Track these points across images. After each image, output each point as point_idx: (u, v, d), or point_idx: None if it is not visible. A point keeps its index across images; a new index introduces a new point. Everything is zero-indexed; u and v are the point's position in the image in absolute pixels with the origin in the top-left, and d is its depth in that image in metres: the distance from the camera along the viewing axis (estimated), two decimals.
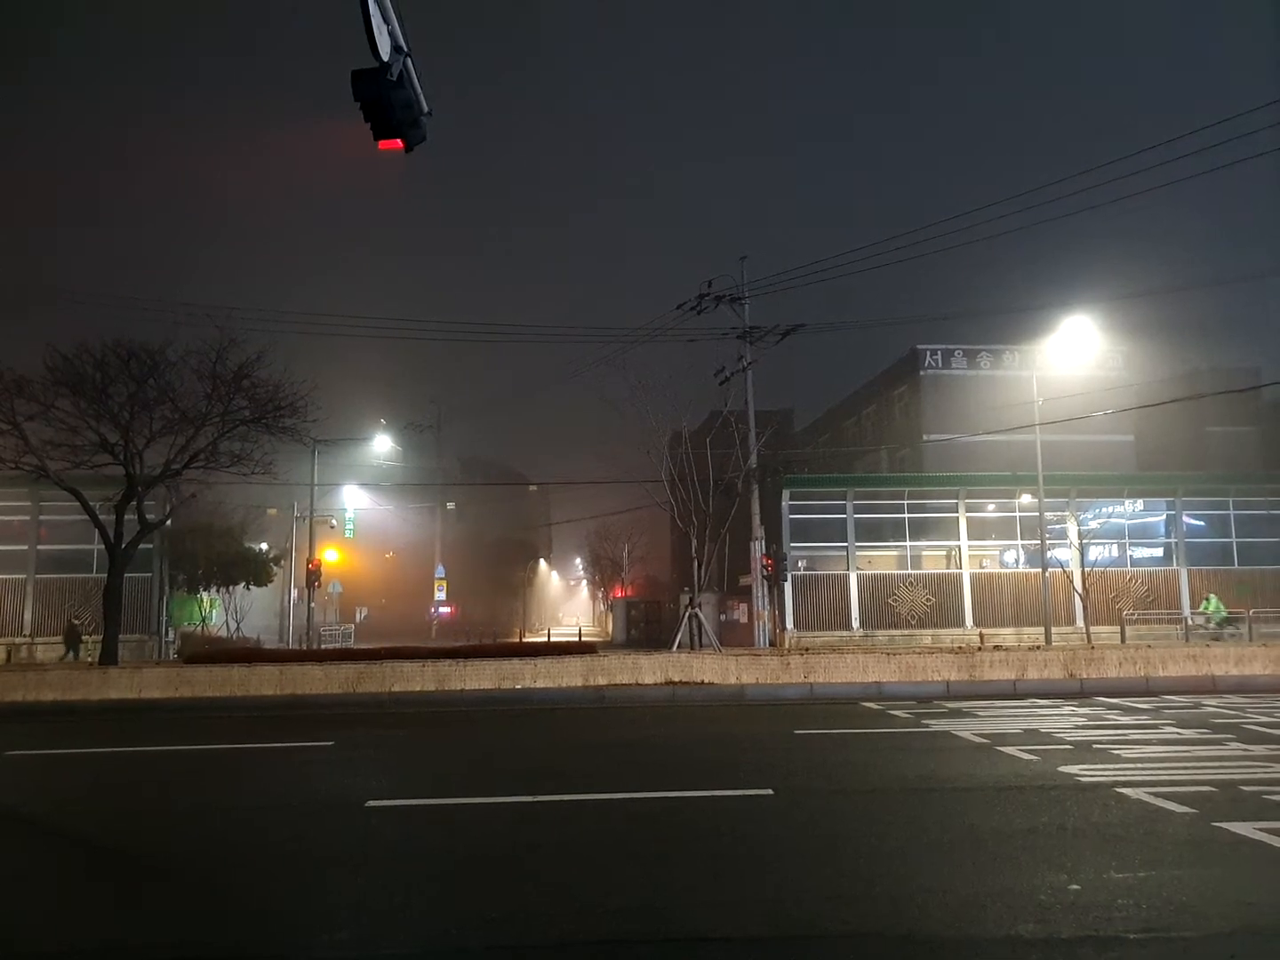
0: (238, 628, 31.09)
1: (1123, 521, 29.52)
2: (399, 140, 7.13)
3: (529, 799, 7.17)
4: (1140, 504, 29.97)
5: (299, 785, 8.31)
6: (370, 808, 6.97)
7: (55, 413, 18.84)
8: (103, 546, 20.29)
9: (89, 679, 15.17)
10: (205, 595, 30.74)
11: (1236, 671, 15.71)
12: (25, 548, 27.20)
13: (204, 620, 30.50)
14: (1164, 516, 29.70)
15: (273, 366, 19.67)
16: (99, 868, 5.67)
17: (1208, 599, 23.66)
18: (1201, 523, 29.55)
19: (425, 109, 7.27)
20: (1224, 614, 22.98)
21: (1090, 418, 26.88)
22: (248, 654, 18.27)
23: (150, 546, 24.82)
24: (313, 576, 32.06)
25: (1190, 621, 27.12)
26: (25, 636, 26.47)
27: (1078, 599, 26.69)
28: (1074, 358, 28.49)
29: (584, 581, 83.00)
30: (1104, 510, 29.64)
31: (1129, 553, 29.31)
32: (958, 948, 3.98)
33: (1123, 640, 24.63)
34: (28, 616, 26.76)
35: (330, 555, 39.05)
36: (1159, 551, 29.62)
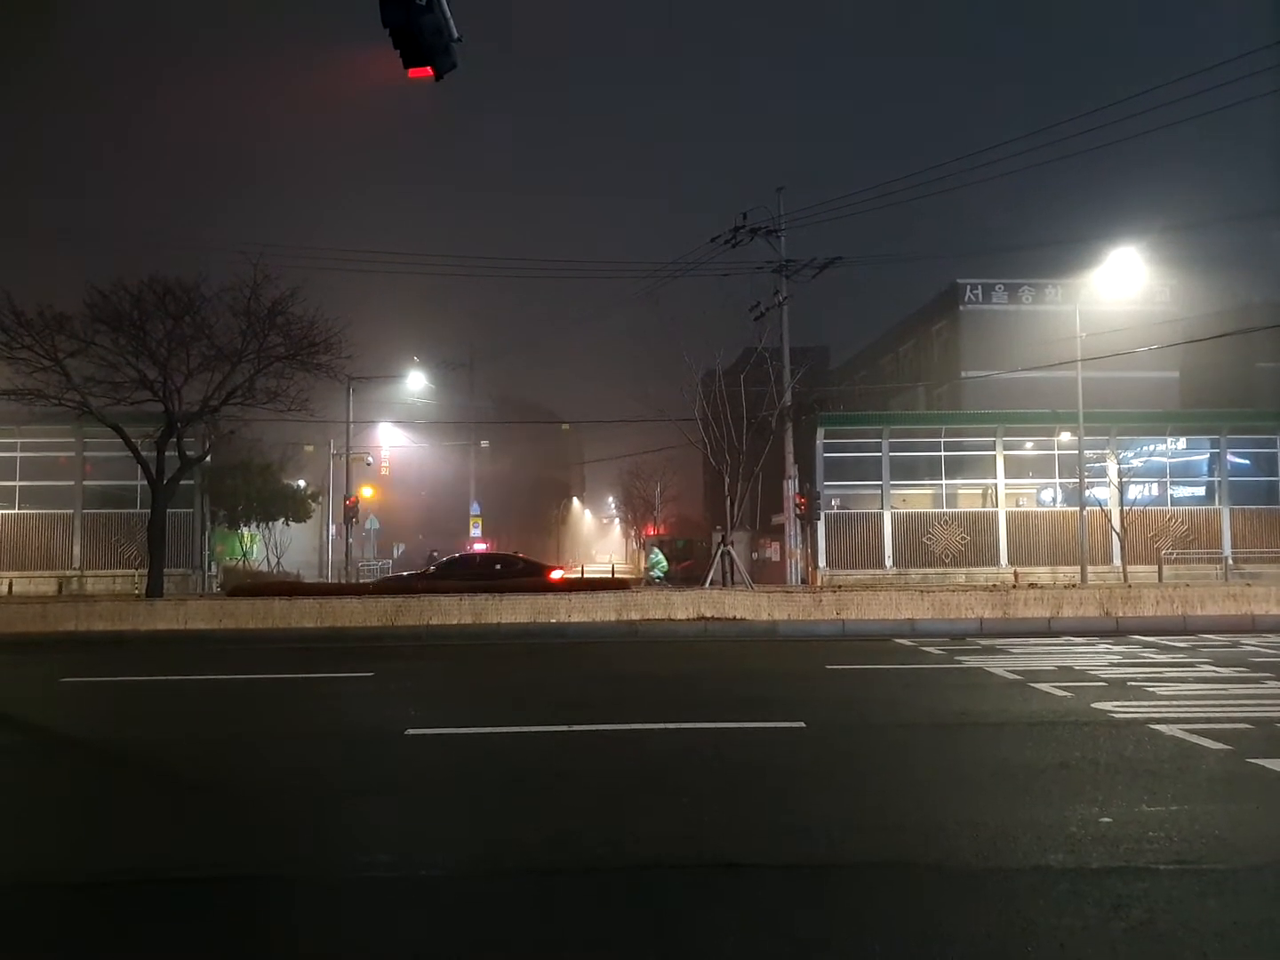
0: (278, 563, 31.76)
1: (1164, 460, 28.98)
2: (429, 68, 6.98)
3: (564, 729, 7.30)
4: (1183, 442, 29.37)
5: (341, 714, 8.51)
6: (409, 736, 7.14)
7: (95, 349, 19.10)
8: (145, 482, 20.75)
9: (137, 610, 15.61)
10: (246, 531, 31.36)
11: (1278, 611, 15.51)
12: (72, 483, 27.89)
13: (245, 555, 31.17)
14: (1207, 455, 29.11)
15: (306, 303, 19.78)
16: (144, 792, 5.86)
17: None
18: (1247, 461, 28.93)
19: (455, 35, 7.09)
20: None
21: (1134, 354, 26.21)
22: (289, 588, 18.63)
23: (191, 483, 25.36)
24: (350, 513, 32.59)
25: (1221, 563, 26.77)
26: (75, 569, 27.32)
27: (1115, 538, 26.38)
28: (1119, 292, 27.72)
29: (616, 520, 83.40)
30: (1145, 448, 29.10)
31: (1170, 491, 28.83)
32: (987, 877, 4.01)
33: (1160, 579, 24.38)
34: (76, 550, 27.56)
35: (367, 492, 39.56)
36: (1201, 490, 29.09)
